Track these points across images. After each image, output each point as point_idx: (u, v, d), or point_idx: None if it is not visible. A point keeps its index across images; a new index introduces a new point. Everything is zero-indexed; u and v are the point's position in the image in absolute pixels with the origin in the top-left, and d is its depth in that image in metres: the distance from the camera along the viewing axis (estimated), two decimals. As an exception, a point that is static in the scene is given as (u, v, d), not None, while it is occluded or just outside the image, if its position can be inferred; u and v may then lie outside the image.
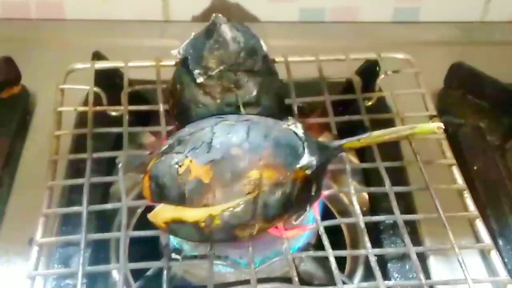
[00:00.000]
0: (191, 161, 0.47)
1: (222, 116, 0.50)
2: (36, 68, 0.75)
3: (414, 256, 0.50)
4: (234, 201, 0.46)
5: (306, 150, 0.48)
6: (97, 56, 0.68)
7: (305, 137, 0.49)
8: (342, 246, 0.61)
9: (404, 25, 0.84)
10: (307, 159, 0.48)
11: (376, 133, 0.51)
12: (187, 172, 0.46)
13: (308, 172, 0.48)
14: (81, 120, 0.64)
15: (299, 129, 0.49)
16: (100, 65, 0.65)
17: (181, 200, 0.46)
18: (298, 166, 0.47)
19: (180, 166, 0.47)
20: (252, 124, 0.48)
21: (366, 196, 0.62)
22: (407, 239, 0.51)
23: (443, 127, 0.50)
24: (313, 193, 0.49)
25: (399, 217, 0.52)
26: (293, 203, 0.48)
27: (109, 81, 0.66)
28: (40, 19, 0.83)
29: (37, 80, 0.73)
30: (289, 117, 0.50)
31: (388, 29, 0.84)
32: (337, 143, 0.51)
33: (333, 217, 0.62)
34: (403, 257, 0.55)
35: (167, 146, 0.49)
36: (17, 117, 0.69)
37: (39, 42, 0.80)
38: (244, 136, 0.47)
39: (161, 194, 0.47)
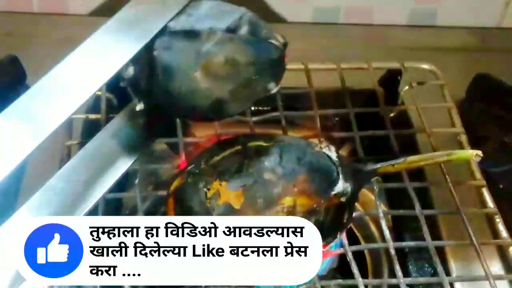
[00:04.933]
0: (220, 184, 0.44)
1: (251, 135, 0.48)
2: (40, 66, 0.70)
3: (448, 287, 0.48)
4: (266, 229, 0.43)
5: (340, 176, 0.46)
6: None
7: (339, 161, 0.46)
8: (363, 265, 0.58)
9: (420, 30, 0.82)
10: (341, 186, 0.45)
11: (412, 158, 0.49)
12: (216, 196, 0.44)
13: (342, 199, 0.45)
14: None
15: (332, 152, 0.47)
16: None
17: (209, 226, 0.44)
18: (332, 193, 0.45)
19: (208, 189, 0.44)
20: (285, 146, 0.46)
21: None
22: (440, 268, 0.48)
23: (482, 155, 0.48)
24: (345, 220, 0.47)
25: (431, 244, 0.50)
26: (325, 230, 0.45)
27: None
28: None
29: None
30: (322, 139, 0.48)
31: (403, 33, 0.81)
32: (371, 167, 0.49)
33: (355, 235, 0.60)
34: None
35: (193, 165, 0.46)
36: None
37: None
38: (277, 159, 0.45)
39: (187, 218, 0.45)
